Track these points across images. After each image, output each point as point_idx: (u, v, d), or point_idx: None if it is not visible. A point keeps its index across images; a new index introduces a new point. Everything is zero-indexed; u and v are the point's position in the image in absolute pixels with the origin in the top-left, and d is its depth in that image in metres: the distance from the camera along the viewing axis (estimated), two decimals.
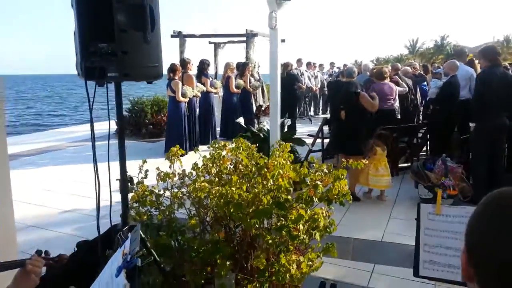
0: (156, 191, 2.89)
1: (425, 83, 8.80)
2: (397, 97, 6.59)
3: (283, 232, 2.62)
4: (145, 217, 2.65)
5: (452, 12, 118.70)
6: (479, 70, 6.97)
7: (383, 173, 5.32)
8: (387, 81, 6.52)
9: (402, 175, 6.34)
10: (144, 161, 2.91)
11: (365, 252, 3.98)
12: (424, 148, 7.45)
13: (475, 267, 0.77)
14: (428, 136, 7.12)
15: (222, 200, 2.53)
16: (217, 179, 2.94)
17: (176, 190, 2.89)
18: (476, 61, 8.04)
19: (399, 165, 6.65)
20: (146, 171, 2.90)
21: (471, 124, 5.29)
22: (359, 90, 5.54)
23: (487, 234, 0.75)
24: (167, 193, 2.94)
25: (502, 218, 0.74)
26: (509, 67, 9.25)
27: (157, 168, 2.90)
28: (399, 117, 6.72)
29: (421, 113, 8.44)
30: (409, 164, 6.59)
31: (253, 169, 2.99)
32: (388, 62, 54.45)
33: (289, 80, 9.88)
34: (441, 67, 11.37)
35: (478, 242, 0.77)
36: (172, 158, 2.89)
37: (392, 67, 8.06)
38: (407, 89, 7.18)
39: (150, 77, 2.25)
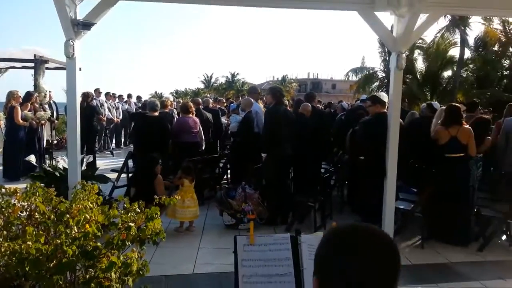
0: None
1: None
2: (201, 130, 6.94)
3: (92, 284, 2.36)
4: None
5: (241, 51, 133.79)
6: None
7: (189, 204, 5.44)
8: (191, 115, 6.81)
9: (208, 205, 6.62)
10: None
11: None
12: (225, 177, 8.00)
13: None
14: (229, 166, 7.68)
15: (14, 258, 2.12)
16: (5, 232, 2.46)
17: None
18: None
19: (205, 195, 6.94)
20: None
21: (262, 155, 5.98)
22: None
23: (333, 261, 0.91)
24: None
25: (344, 248, 0.91)
26: (287, 103, 10.92)
27: None
28: (203, 148, 7.07)
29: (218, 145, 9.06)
30: (214, 193, 6.96)
31: (52, 216, 2.63)
32: (187, 95, 57.04)
33: (89, 111, 9.24)
34: (234, 102, 12.57)
35: (327, 268, 0.91)
36: None
37: (194, 101, 8.46)
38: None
39: None
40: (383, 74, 23.54)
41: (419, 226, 5.42)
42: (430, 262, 4.82)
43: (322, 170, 6.89)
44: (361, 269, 0.88)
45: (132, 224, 2.67)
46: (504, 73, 22.36)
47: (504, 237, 5.70)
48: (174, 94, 56.68)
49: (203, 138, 7.11)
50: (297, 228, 2.10)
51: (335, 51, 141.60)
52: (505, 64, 22.30)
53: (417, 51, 22.21)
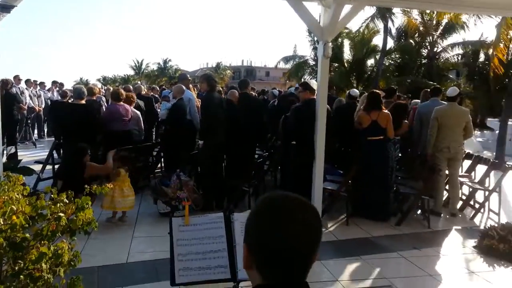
0: None
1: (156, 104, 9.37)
2: (140, 118, 6.82)
3: (22, 276, 2.30)
4: None
5: (173, 37, 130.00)
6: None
7: (128, 193, 5.36)
8: (122, 102, 6.62)
9: (141, 194, 6.52)
10: None
11: (110, 278, 3.91)
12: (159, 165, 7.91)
13: (253, 255, 0.97)
14: (162, 154, 7.60)
15: None
16: None
17: None
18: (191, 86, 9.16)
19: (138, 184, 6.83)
20: None
21: (199, 142, 6.02)
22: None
23: (260, 228, 0.97)
24: None
25: (270, 216, 0.98)
26: (221, 89, 10.95)
27: None
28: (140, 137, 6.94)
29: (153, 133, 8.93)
30: (148, 182, 6.87)
31: None
32: (115, 81, 54.68)
33: (8, 100, 8.59)
34: (167, 89, 12.36)
35: (254, 235, 0.97)
36: None
37: (125, 89, 8.22)
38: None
39: None
40: (314, 62, 24.35)
41: (344, 205, 5.81)
42: (354, 237, 5.22)
43: (256, 156, 7.08)
44: (286, 236, 0.95)
45: (62, 215, 2.62)
46: (423, 61, 24.21)
47: (419, 212, 6.29)
48: (102, 81, 54.01)
49: (142, 127, 6.98)
50: (231, 209, 2.22)
51: (269, 39, 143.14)
52: (423, 53, 24.13)
53: (344, 40, 23.22)
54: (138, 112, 7.06)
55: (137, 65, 61.62)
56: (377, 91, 6.30)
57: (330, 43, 5.14)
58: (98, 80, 56.05)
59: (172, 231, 1.81)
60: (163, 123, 7.30)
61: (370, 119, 5.79)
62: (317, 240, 1.01)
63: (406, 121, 6.48)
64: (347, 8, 5.30)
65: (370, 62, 23.14)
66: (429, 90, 7.43)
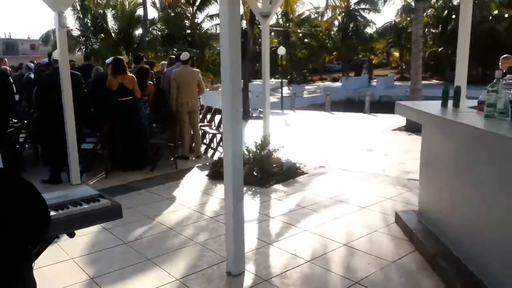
0: None
1: None
2: None
3: None
4: None
5: None
6: None
7: None
8: None
9: None
10: None
11: None
12: None
13: None
14: None
15: None
16: None
17: None
18: None
19: None
20: None
21: None
22: None
23: None
24: None
25: None
26: None
27: None
28: None
29: None
30: None
31: None
32: None
33: None
34: None
35: None
36: None
37: None
38: None
39: None
40: (79, 33, 23.36)
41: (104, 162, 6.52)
42: (111, 185, 6.00)
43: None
44: None
45: None
46: (187, 32, 26.17)
47: (172, 159, 7.53)
48: None
49: None
50: None
51: (31, 8, 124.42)
52: (186, 24, 26.07)
53: (107, 11, 22.94)
54: None
55: None
56: (120, 57, 7.09)
57: (65, 14, 5.56)
58: None
59: None
60: None
61: (117, 82, 6.56)
62: None
63: (150, 82, 7.49)
64: None
65: (138, 32, 23.61)
66: (173, 56, 8.66)
